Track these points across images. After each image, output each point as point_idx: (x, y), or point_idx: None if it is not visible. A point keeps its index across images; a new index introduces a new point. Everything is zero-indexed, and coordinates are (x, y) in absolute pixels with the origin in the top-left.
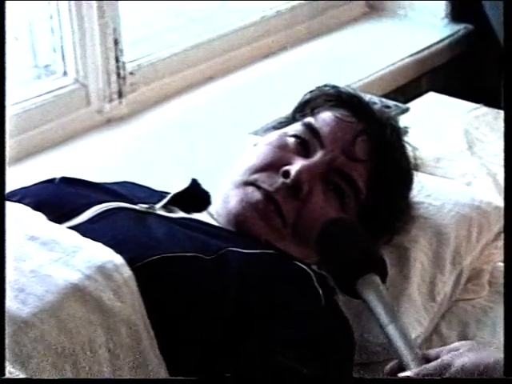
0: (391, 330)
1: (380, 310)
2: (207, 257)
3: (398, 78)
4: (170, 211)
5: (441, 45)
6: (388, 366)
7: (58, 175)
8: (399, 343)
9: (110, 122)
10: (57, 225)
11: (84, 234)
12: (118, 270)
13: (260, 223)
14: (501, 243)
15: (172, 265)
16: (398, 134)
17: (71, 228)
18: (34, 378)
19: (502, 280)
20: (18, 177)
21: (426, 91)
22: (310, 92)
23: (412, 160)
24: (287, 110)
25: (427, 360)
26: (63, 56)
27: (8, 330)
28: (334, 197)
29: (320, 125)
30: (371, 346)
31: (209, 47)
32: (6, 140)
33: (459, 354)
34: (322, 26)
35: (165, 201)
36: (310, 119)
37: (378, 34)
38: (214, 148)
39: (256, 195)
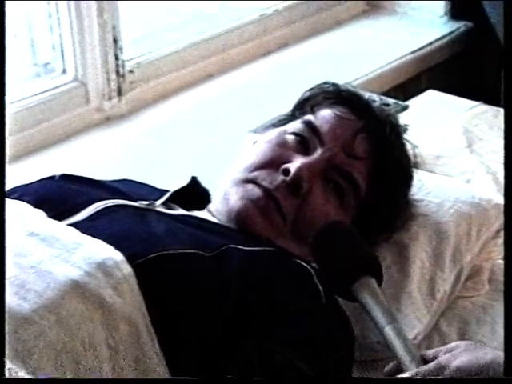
0: (388, 331)
1: (377, 313)
2: (207, 254)
3: (397, 76)
4: (170, 208)
5: (440, 42)
6: (387, 368)
7: (57, 173)
8: (397, 345)
9: (109, 120)
10: (57, 222)
11: (84, 231)
12: (118, 266)
13: (260, 220)
14: (501, 241)
15: (172, 262)
16: (397, 131)
17: (71, 225)
18: (34, 374)
19: (501, 277)
20: (18, 174)
21: (426, 89)
22: (310, 90)
23: (412, 158)
24: (287, 108)
25: (424, 361)
26: (62, 54)
27: (8, 327)
28: (333, 194)
29: (320, 122)
30: (371, 343)
31: (208, 45)
32: (5, 138)
33: (455, 355)
34: (322, 24)
35: (165, 198)
36: (309, 117)
37: (377, 32)
38: (213, 146)
39: (256, 192)
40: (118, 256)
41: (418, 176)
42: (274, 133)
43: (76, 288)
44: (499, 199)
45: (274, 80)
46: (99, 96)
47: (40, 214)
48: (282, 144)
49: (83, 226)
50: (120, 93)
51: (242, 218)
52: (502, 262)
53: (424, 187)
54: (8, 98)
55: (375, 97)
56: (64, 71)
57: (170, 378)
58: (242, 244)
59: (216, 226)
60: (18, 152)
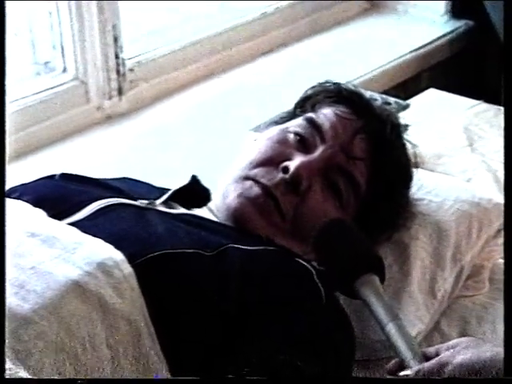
0: (390, 329)
1: (379, 310)
2: (208, 253)
3: (398, 75)
4: (171, 207)
5: (441, 41)
6: (389, 365)
7: (57, 172)
8: (399, 342)
9: (109, 118)
10: (57, 221)
11: (84, 231)
12: (119, 266)
13: (258, 218)
14: (501, 240)
15: (172, 261)
16: (397, 131)
17: (71, 224)
18: (34, 374)
19: (502, 277)
20: (18, 173)
21: (427, 88)
22: (311, 88)
23: (412, 157)
24: (288, 106)
25: (426, 358)
26: (63, 53)
27: (8, 327)
28: (333, 193)
29: (321, 120)
30: (372, 342)
31: (208, 44)
32: (5, 137)
33: (457, 352)
34: (323, 23)
35: (165, 197)
36: (311, 114)
37: (378, 31)
38: (213, 145)
39: (255, 190)
40: (118, 256)
41: (419, 175)
42: (274, 130)
43: (76, 288)
44: (500, 198)
45: (275, 79)
46: (99, 95)
47: (40, 213)
48: (282, 142)
49: (83, 225)
50: (120, 91)
51: (238, 216)
52: (502, 261)
53: (424, 186)
54: (8, 97)
55: (376, 95)
56: (64, 70)
57: (171, 378)
58: (242, 243)
59: (216, 224)
60: (19, 151)
